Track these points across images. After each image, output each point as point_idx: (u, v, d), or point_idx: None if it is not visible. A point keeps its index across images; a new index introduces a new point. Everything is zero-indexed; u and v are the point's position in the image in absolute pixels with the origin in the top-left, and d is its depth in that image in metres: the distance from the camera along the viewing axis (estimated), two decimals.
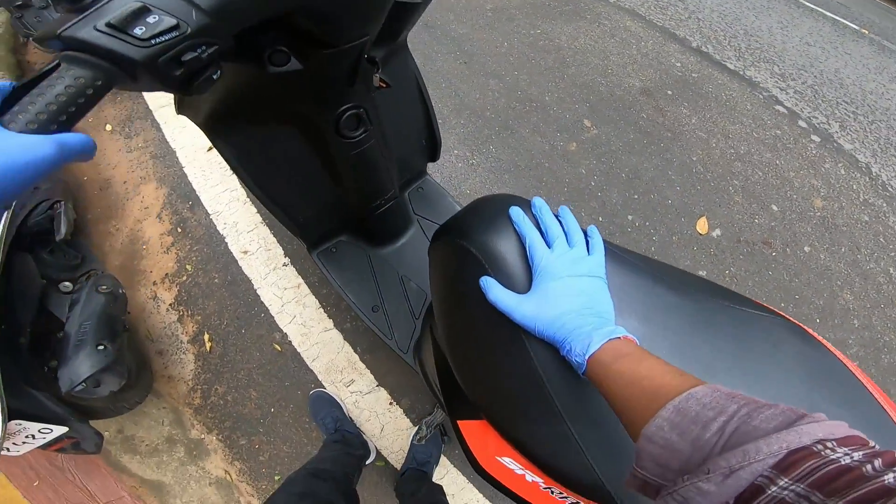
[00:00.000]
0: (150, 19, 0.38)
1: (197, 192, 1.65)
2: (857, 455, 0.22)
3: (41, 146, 0.31)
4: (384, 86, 0.80)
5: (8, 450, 0.89)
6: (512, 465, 0.59)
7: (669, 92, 2.32)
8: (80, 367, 0.96)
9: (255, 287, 1.49)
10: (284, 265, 1.54)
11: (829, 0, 5.27)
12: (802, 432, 0.24)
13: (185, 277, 1.51)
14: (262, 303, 1.47)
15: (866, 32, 4.39)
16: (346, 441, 1.21)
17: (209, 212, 1.61)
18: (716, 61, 2.64)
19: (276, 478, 1.32)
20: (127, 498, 1.29)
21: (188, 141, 1.78)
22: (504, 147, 1.88)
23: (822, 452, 0.23)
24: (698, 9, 3.29)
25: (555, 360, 0.48)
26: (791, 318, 0.60)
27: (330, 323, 1.46)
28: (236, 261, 1.53)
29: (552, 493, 0.56)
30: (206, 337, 1.43)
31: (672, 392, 0.32)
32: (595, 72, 2.30)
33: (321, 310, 1.48)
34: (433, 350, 0.81)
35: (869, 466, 0.21)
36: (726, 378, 0.51)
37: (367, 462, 1.28)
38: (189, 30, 0.40)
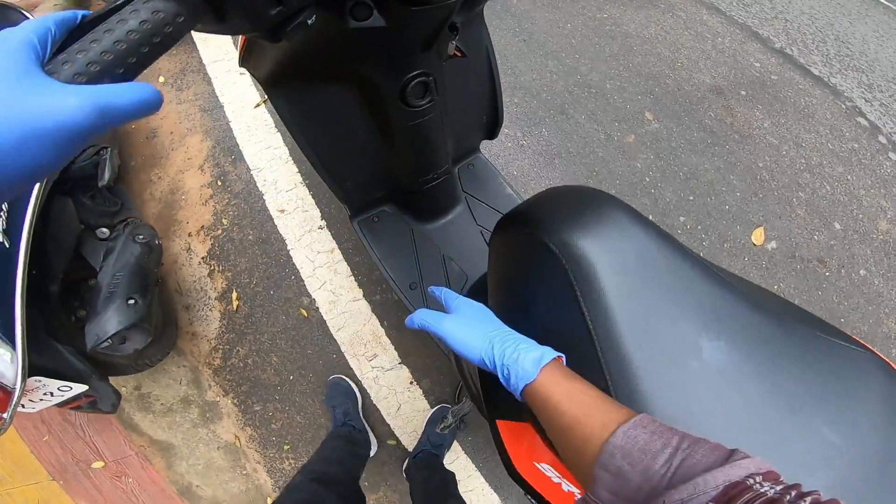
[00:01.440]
0: None
1: (240, 148, 1.64)
2: (777, 488, 0.25)
3: (73, 109, 0.23)
4: (459, 55, 0.74)
5: (23, 406, 0.86)
6: (549, 473, 0.53)
7: (743, 92, 2.14)
8: (109, 322, 0.94)
9: (289, 248, 1.47)
10: (320, 228, 1.51)
11: None
12: (740, 466, 0.27)
13: (219, 231, 1.50)
14: (293, 265, 1.45)
15: None
16: (352, 439, 1.16)
17: (250, 167, 1.60)
18: (799, 65, 2.42)
19: (286, 447, 1.30)
20: (133, 457, 1.31)
21: (237, 97, 1.77)
22: (557, 131, 1.78)
23: (753, 486, 0.25)
24: (786, 9, 3.03)
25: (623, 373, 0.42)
26: (879, 353, 0.51)
27: (359, 293, 1.42)
28: (272, 219, 1.51)
29: None
30: (234, 295, 1.42)
31: (614, 420, 0.33)
32: (663, 63, 2.15)
33: (352, 278, 1.44)
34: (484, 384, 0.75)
35: (787, 498, 0.24)
36: (812, 412, 0.43)
37: (370, 457, 1.25)
38: None
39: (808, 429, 0.42)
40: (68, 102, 0.23)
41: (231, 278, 1.44)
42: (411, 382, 1.34)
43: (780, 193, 1.81)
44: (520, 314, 0.52)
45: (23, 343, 0.77)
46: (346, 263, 1.46)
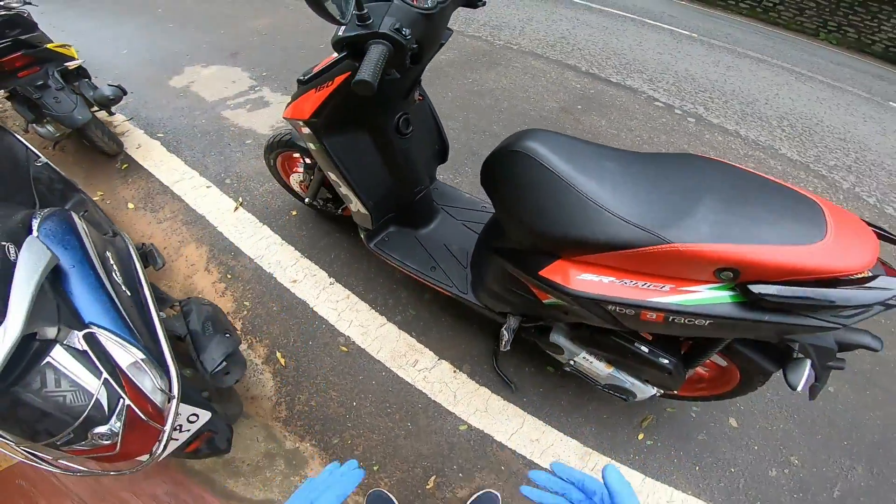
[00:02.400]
0: (405, 30, 0.86)
1: (237, 245, 1.89)
2: None
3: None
4: (420, 99, 1.25)
5: (156, 449, 0.91)
6: (591, 277, 0.94)
7: (579, 106, 3.05)
8: (216, 350, 1.12)
9: (311, 306, 1.72)
10: (331, 284, 1.79)
11: (661, 15, 7.00)
12: None
13: (245, 312, 1.70)
14: (320, 317, 1.70)
15: (696, 36, 5.89)
16: None
17: (252, 257, 1.85)
18: (602, 78, 3.51)
19: (375, 468, 1.43)
20: None
21: (213, 206, 2.05)
22: (475, 166, 2.37)
23: None
24: (577, 42, 4.30)
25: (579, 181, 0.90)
26: (699, 154, 1.03)
27: (384, 319, 1.71)
28: (288, 290, 1.76)
29: (625, 283, 0.92)
30: (279, 354, 1.60)
31: None
32: (523, 102, 2.97)
33: (373, 311, 1.73)
34: (493, 270, 1.19)
35: None
36: (663, 185, 0.90)
37: None
38: (410, 38, 0.90)
39: (662, 190, 0.89)
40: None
41: (270, 343, 1.63)
42: (454, 372, 1.61)
43: None
44: (528, 191, 0.96)
45: (173, 362, 0.93)
46: (363, 302, 1.75)
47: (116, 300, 0.94)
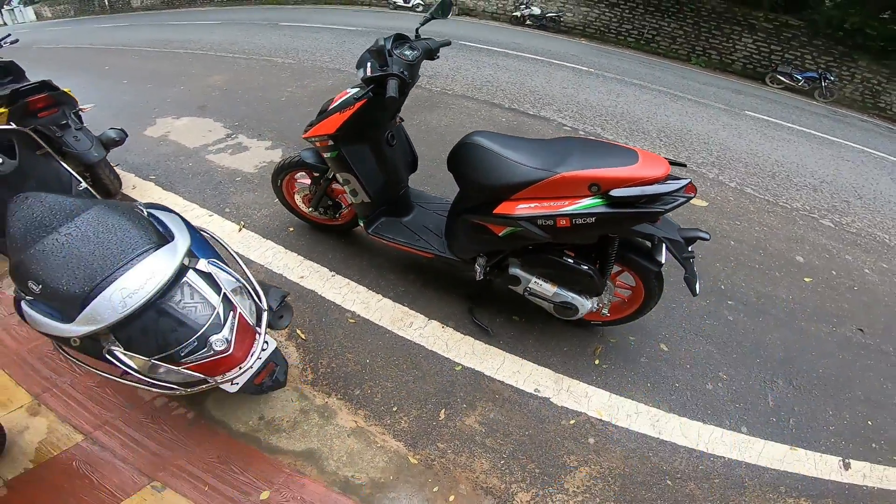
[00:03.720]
0: (404, 72, 1.53)
1: (246, 256, 2.29)
2: None
3: None
4: (401, 120, 1.88)
5: (230, 376, 1.22)
6: (524, 206, 1.54)
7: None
8: (275, 295, 1.47)
9: (319, 293, 2.15)
10: (332, 276, 2.24)
11: (565, 55, 8.45)
12: None
13: None
14: (328, 300, 2.12)
15: (593, 71, 7.26)
16: None
17: (262, 264, 2.26)
18: (522, 112, 4.42)
19: (394, 409, 1.72)
20: (289, 476, 1.47)
21: (217, 229, 2.45)
22: (433, 185, 2.97)
23: None
24: (499, 84, 5.27)
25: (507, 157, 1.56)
26: (581, 136, 1.76)
27: (380, 296, 2.17)
28: (298, 283, 2.19)
29: (543, 204, 1.52)
30: (299, 331, 1.98)
31: None
32: (462, 135, 3.63)
33: (370, 291, 2.19)
34: (462, 227, 1.80)
35: None
36: (569, 158, 1.55)
37: None
38: (409, 76, 1.56)
39: (553, 151, 1.57)
40: None
41: (290, 325, 2.01)
42: (443, 327, 2.07)
43: None
44: (481, 167, 1.60)
45: (258, 290, 1.32)
46: (361, 286, 2.20)
47: (213, 247, 1.36)
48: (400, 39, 1.77)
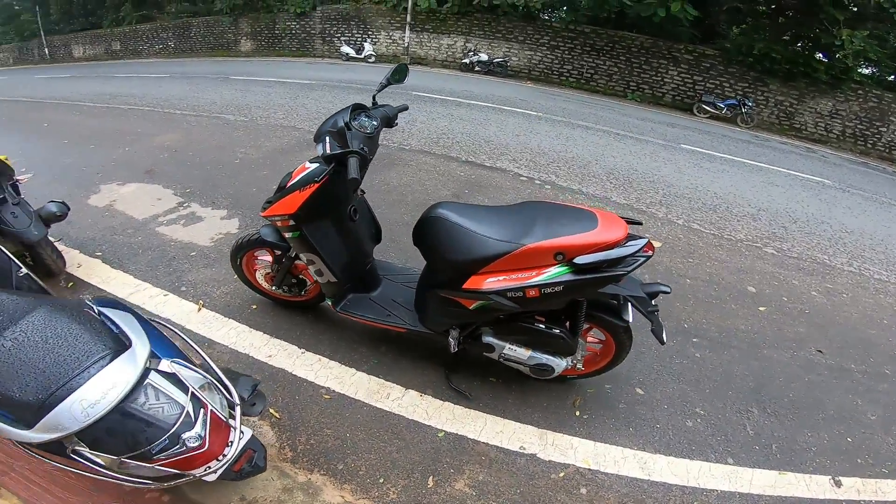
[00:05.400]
0: (364, 148, 1.58)
1: (208, 337, 2.21)
2: None
3: None
4: (363, 193, 1.94)
5: (208, 468, 1.20)
6: (492, 280, 1.61)
7: (466, 191, 4.07)
8: (245, 384, 1.46)
9: (290, 371, 2.09)
10: (302, 353, 2.20)
11: (515, 100, 9.00)
12: None
13: None
14: (300, 378, 2.07)
15: (541, 115, 7.81)
16: None
17: (226, 345, 2.18)
18: (478, 164, 4.69)
19: (380, 480, 1.70)
20: None
21: (175, 310, 2.35)
22: (397, 250, 3.00)
23: None
24: (454, 135, 5.57)
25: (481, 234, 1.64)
26: (543, 200, 1.88)
27: (353, 370, 2.14)
28: (266, 363, 2.12)
29: (511, 277, 1.60)
30: (272, 410, 1.91)
31: None
32: (422, 194, 3.87)
33: (343, 366, 2.15)
34: (432, 301, 1.85)
35: None
36: (536, 225, 1.66)
37: None
38: (369, 152, 1.63)
39: (517, 220, 1.67)
40: None
41: (264, 410, 1.95)
42: (421, 395, 2.06)
43: None
44: (449, 244, 1.67)
45: (229, 385, 1.31)
46: (333, 361, 2.16)
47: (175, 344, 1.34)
48: (357, 109, 1.81)
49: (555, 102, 9.85)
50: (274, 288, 2.23)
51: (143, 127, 6.03)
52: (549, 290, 1.56)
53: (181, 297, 2.45)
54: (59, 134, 5.86)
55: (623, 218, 1.66)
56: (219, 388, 1.36)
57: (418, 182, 4.07)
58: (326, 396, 2.02)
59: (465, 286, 1.66)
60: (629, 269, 1.53)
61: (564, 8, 14.22)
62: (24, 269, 1.74)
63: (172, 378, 1.22)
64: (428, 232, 1.75)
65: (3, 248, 1.73)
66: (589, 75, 13.97)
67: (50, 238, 2.39)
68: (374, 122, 1.81)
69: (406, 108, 2.12)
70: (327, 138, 1.63)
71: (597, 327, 1.92)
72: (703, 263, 3.48)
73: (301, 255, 1.93)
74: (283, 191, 1.80)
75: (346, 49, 15.25)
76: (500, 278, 1.61)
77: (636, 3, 11.77)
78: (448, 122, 6.48)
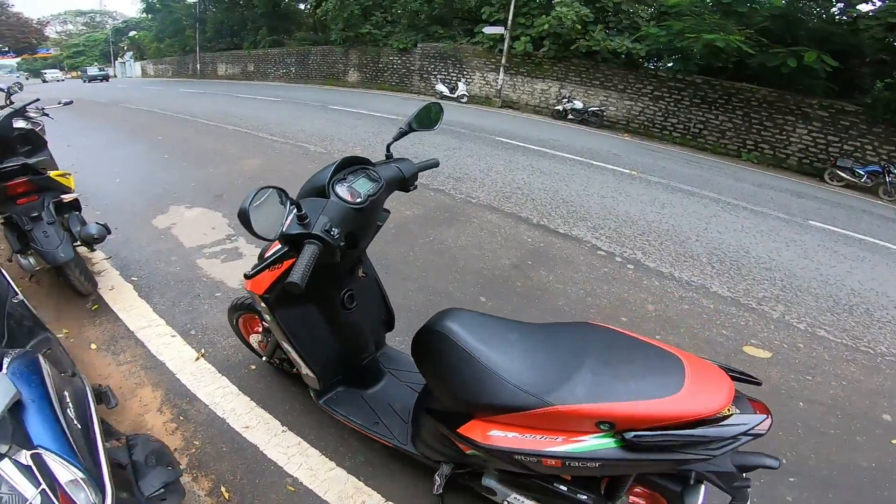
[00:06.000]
0: (333, 230, 1.19)
1: (193, 392, 2.09)
2: None
3: None
4: (364, 275, 1.65)
5: None
6: (499, 433, 1.21)
7: (529, 262, 3.60)
8: (155, 478, 1.28)
9: (262, 449, 1.87)
10: (283, 431, 1.97)
11: (606, 155, 8.31)
12: None
13: (193, 449, 1.83)
14: (270, 459, 1.83)
15: (635, 174, 7.02)
16: None
17: (207, 404, 2.04)
18: (551, 230, 4.21)
19: None
20: None
21: (175, 354, 2.29)
22: None
23: None
24: (531, 191, 5.16)
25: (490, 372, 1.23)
26: (592, 322, 1.41)
27: (333, 464, 1.85)
28: (240, 434, 1.93)
29: (526, 437, 1.18)
30: (223, 489, 1.70)
31: None
32: (478, 260, 3.51)
33: (323, 456, 1.88)
34: (426, 426, 1.48)
35: None
36: (557, 352, 1.26)
37: None
38: (340, 236, 1.22)
39: (553, 357, 1.22)
40: None
41: (216, 479, 1.73)
42: None
43: (580, 315, 2.96)
44: (454, 368, 1.26)
45: (111, 482, 1.10)
46: (314, 448, 1.91)
47: (66, 430, 1.16)
48: (355, 165, 1.44)
49: (653, 159, 9.07)
50: (264, 358, 2.06)
51: (235, 149, 6.63)
52: (577, 465, 1.13)
53: (186, 342, 2.39)
54: (165, 148, 6.67)
55: (728, 370, 1.17)
56: (96, 487, 1.19)
57: (477, 245, 3.73)
58: (291, 488, 1.75)
59: (461, 430, 1.28)
60: (716, 452, 1.03)
61: (674, 57, 13.45)
62: (20, 297, 1.75)
63: (28, 470, 1.06)
64: (429, 349, 1.36)
65: (4, 274, 1.75)
66: (697, 130, 12.87)
67: (82, 260, 2.49)
68: (373, 187, 1.41)
69: (436, 165, 1.77)
70: (293, 209, 1.20)
71: (646, 488, 1.43)
72: (827, 382, 2.70)
73: (280, 341, 1.69)
74: (260, 261, 1.51)
75: (440, 87, 15.93)
76: (511, 434, 1.20)
77: (760, 53, 10.64)
78: (527, 174, 6.14)
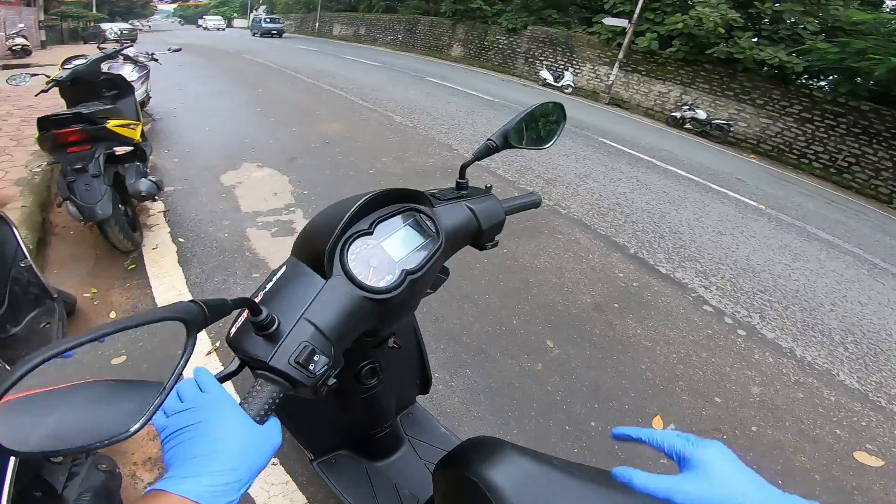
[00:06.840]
0: (316, 358, 0.58)
1: None
2: None
3: (277, 434, 0.49)
4: (397, 347, 1.13)
5: None
6: None
7: (616, 305, 2.84)
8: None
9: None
10: (273, 464, 1.61)
11: (729, 179, 6.98)
12: None
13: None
14: (250, 496, 1.51)
15: (763, 208, 5.74)
16: None
17: None
18: (650, 266, 3.36)
19: None
20: None
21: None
22: (479, 370, 2.15)
23: None
24: (632, 211, 4.32)
25: None
26: None
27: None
28: None
29: None
30: None
31: None
32: (554, 291, 2.84)
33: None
34: None
35: None
36: None
37: None
38: (332, 363, 0.64)
39: None
40: (274, 438, 0.50)
41: None
42: None
43: (664, 386, 2.27)
44: None
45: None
46: (301, 493, 1.56)
47: None
48: (391, 204, 0.81)
49: (786, 192, 7.51)
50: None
51: (324, 110, 6.46)
52: None
53: (205, 330, 2.10)
54: (261, 102, 6.70)
55: None
56: None
57: (556, 270, 3.02)
58: None
59: None
60: None
61: (836, 76, 11.17)
62: (29, 261, 1.60)
63: None
64: (454, 494, 0.88)
65: (17, 235, 1.60)
66: (845, 164, 10.67)
67: (122, 217, 2.33)
68: (419, 250, 0.78)
69: (537, 204, 1.19)
70: (244, 307, 0.57)
71: None
72: None
73: None
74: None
75: (544, 74, 14.85)
76: None
77: None
78: (630, 188, 5.19)
